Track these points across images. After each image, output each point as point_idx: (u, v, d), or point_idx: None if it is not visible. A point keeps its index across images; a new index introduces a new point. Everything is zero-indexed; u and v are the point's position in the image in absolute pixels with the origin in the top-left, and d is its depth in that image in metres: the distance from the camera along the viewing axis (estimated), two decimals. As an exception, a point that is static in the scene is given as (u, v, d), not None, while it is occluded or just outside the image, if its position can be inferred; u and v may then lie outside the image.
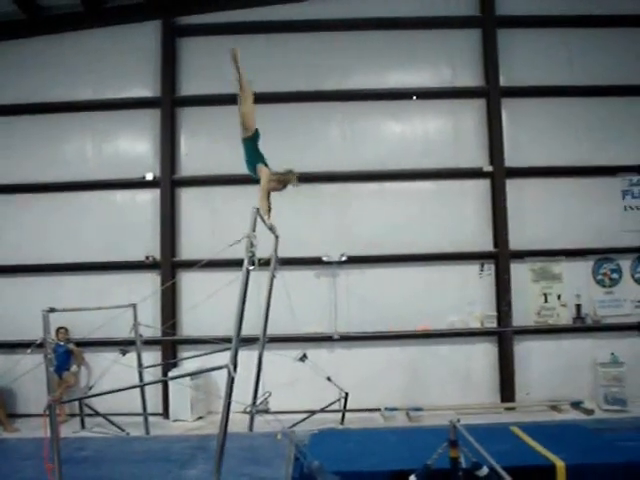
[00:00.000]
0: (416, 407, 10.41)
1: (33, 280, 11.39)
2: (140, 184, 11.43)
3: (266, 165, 7.13)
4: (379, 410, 10.54)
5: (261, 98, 11.34)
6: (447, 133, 11.59)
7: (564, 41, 11.66)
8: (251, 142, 7.27)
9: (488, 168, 11.27)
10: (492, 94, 11.40)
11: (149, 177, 11.33)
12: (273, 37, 11.67)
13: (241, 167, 11.11)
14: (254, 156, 7.23)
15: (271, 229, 7.53)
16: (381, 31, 11.64)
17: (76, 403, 10.14)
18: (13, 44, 11.80)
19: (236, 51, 7.12)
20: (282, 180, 7.22)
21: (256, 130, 7.29)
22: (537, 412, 10.41)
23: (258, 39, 11.64)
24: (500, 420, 9.79)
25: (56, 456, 5.95)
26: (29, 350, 7.40)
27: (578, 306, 11.20)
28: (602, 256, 11.37)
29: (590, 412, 10.15)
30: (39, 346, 6.72)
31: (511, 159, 11.29)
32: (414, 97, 11.54)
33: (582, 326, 11.17)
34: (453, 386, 10.94)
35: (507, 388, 10.91)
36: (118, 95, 11.64)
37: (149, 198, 11.49)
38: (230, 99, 11.34)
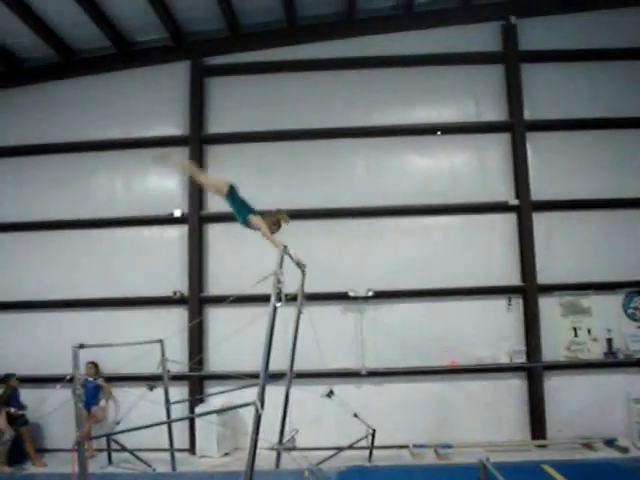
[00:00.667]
0: (445, 444, 10.25)
1: (63, 315, 11.55)
2: (168, 220, 11.60)
3: (254, 212, 7.25)
4: (407, 447, 10.39)
5: (284, 135, 11.67)
6: (472, 167, 11.62)
7: (587, 74, 11.71)
8: (231, 198, 7.44)
9: (514, 202, 11.24)
10: (516, 128, 11.44)
11: (177, 213, 11.49)
12: (297, 75, 11.89)
13: (266, 202, 11.33)
14: (240, 208, 7.37)
15: (298, 265, 7.59)
16: (406, 68, 11.79)
17: (103, 438, 10.16)
18: (46, 86, 12.26)
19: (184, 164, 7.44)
20: (275, 222, 7.30)
21: (230, 186, 7.45)
22: (569, 450, 10.15)
23: (283, 77, 11.89)
24: (531, 458, 9.62)
25: (85, 492, 5.98)
26: (59, 386, 7.52)
27: (609, 340, 11.00)
28: (632, 289, 11.18)
29: (625, 450, 9.88)
30: (69, 381, 6.83)
31: (537, 192, 11.26)
32: (439, 132, 11.61)
33: (614, 361, 10.95)
34: (482, 422, 10.76)
35: (538, 424, 10.69)
36: (147, 134, 11.92)
37: (177, 234, 11.65)
38: (255, 137, 11.69)
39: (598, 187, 11.32)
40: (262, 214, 7.28)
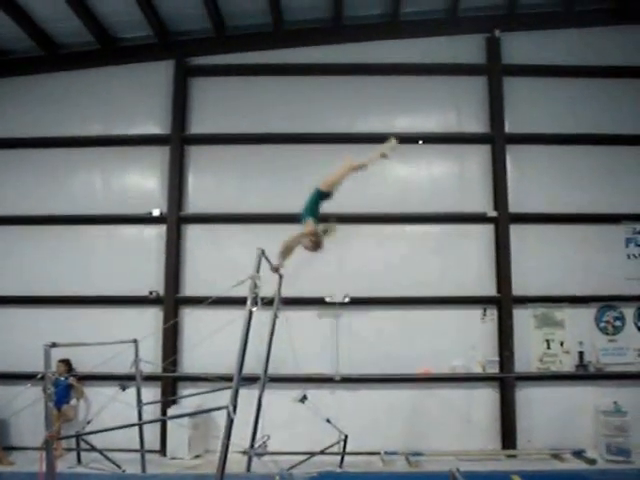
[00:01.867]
0: (416, 452, 10.29)
1: (36, 312, 11.39)
2: (147, 220, 11.53)
3: (317, 222, 7.21)
4: (379, 454, 10.41)
5: (267, 138, 11.67)
6: (452, 178, 11.71)
7: (568, 90, 11.86)
8: (320, 196, 7.49)
9: (492, 213, 11.35)
10: (497, 140, 11.55)
11: (156, 213, 11.42)
12: (282, 79, 11.90)
13: (247, 206, 11.33)
14: (313, 208, 7.39)
15: (276, 270, 7.58)
16: (390, 76, 11.86)
17: (73, 437, 10.04)
18: (28, 79, 12.10)
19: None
20: (317, 242, 7.21)
21: (331, 193, 7.52)
22: (538, 460, 10.26)
23: (267, 81, 11.91)
24: (501, 468, 9.68)
25: (51, 492, 5.92)
26: (29, 384, 7.43)
27: (581, 353, 11.14)
28: (605, 304, 11.35)
29: (592, 462, 9.97)
30: (40, 379, 6.75)
31: (515, 205, 11.38)
32: (420, 141, 11.66)
33: (585, 374, 11.08)
34: (454, 431, 10.81)
35: (508, 435, 10.77)
36: (128, 131, 11.85)
37: (155, 234, 11.57)
38: (237, 139, 11.66)
39: (575, 201, 11.47)
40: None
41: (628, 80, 11.87)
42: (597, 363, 11.14)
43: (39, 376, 6.71)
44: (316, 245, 7.15)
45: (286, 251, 7.08)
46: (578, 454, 10.27)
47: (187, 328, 11.24)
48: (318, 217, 7.27)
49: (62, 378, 10.41)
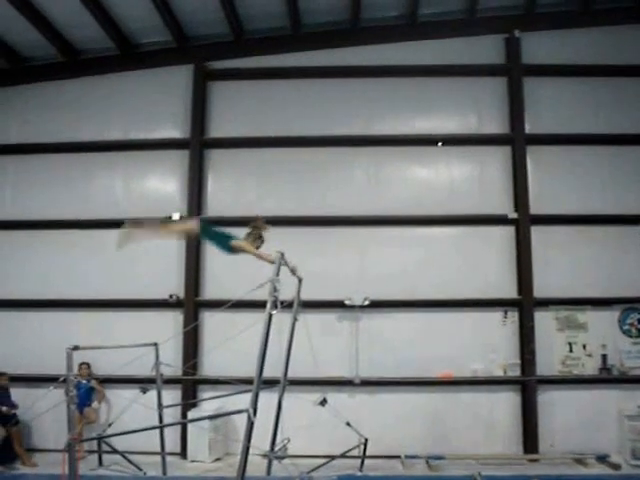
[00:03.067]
0: (437, 455, 10.21)
1: (59, 315, 11.52)
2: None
3: (232, 237, 7.15)
4: (399, 457, 10.36)
5: (286, 142, 11.69)
6: (472, 179, 11.63)
7: (590, 90, 11.74)
8: (204, 234, 7.44)
9: (513, 215, 11.25)
10: (517, 141, 11.46)
11: (176, 217, 11.46)
12: (300, 82, 11.92)
13: (266, 209, 11.36)
14: (219, 239, 7.25)
15: (294, 272, 7.57)
16: (408, 78, 11.83)
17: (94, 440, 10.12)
18: (49, 85, 12.28)
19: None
20: (257, 236, 7.24)
21: (198, 225, 7.44)
22: (561, 465, 10.13)
23: (285, 84, 11.93)
24: (523, 472, 9.59)
25: (74, 495, 5.96)
26: (52, 387, 7.50)
27: (604, 356, 11.00)
28: (629, 306, 11.19)
29: (617, 467, 9.83)
30: (62, 382, 6.81)
31: (536, 206, 11.27)
32: (440, 143, 11.63)
33: (608, 377, 10.94)
34: (475, 435, 10.74)
35: (530, 439, 10.66)
36: (148, 136, 11.95)
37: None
38: (256, 142, 11.71)
39: (597, 203, 11.35)
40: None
41: (652, 80, 11.73)
42: (621, 366, 10.99)
43: (61, 379, 6.77)
44: (259, 238, 7.26)
45: (267, 260, 6.94)
46: (602, 459, 10.10)
47: (207, 331, 11.28)
48: (229, 235, 7.21)
49: (84, 381, 10.51)
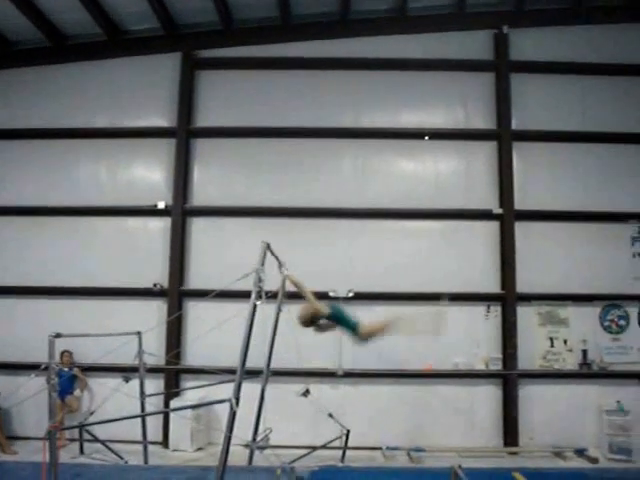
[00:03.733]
0: (418, 447, 10.29)
1: (39, 303, 11.43)
2: (152, 212, 11.52)
3: (358, 325, 6.95)
4: (380, 449, 10.43)
5: (273, 132, 11.67)
6: (458, 174, 11.67)
7: (577, 88, 11.80)
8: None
9: (498, 210, 11.31)
10: (504, 137, 11.51)
11: (161, 205, 11.42)
12: (289, 73, 11.88)
13: (252, 199, 11.35)
14: (347, 325, 7.04)
15: (280, 263, 7.55)
16: (397, 71, 11.83)
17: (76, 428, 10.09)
18: (35, 70, 12.12)
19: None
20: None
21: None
22: (540, 458, 10.27)
23: (274, 75, 11.88)
24: (502, 464, 9.70)
25: (54, 482, 5.94)
26: (33, 375, 7.47)
27: (584, 352, 11.12)
28: (610, 302, 11.32)
29: (594, 461, 9.99)
30: (44, 370, 6.77)
31: (521, 202, 11.35)
32: (426, 137, 11.65)
33: (588, 372, 11.06)
34: (456, 427, 10.83)
35: (510, 432, 10.78)
36: (134, 124, 11.84)
37: (160, 226, 11.58)
38: (243, 132, 11.66)
39: (582, 199, 11.44)
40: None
41: (636, 78, 11.80)
42: (601, 362, 11.11)
43: (43, 367, 6.73)
44: (308, 322, 6.93)
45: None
46: (580, 452, 10.27)
47: (191, 321, 11.27)
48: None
49: (66, 369, 10.47)
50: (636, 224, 11.47)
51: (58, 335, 6.68)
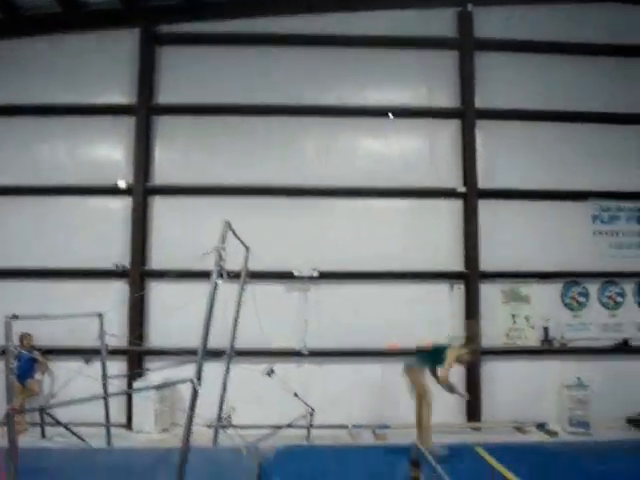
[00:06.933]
0: (383, 425, 10.38)
1: (-2, 284, 11.17)
2: (113, 191, 11.30)
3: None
4: (346, 427, 10.49)
5: (236, 109, 11.48)
6: (422, 152, 11.67)
7: (542, 66, 11.87)
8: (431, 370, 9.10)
9: (461, 189, 11.36)
10: (467, 115, 11.54)
11: (122, 184, 11.20)
12: (253, 49, 11.69)
13: (215, 178, 11.17)
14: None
15: (242, 242, 7.49)
16: (362, 48, 11.72)
17: (37, 411, 9.90)
18: (-13, 44, 11.68)
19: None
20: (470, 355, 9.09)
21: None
22: (502, 432, 10.45)
23: (237, 50, 11.68)
24: (465, 440, 9.82)
25: (13, 467, 5.82)
26: (-11, 358, 7.27)
27: (546, 329, 11.32)
28: (571, 279, 11.51)
29: (554, 434, 10.24)
30: (1, 354, 6.60)
31: (485, 180, 11.42)
32: (390, 115, 11.60)
33: (549, 349, 11.28)
34: (420, 404, 10.92)
35: (473, 408, 10.94)
36: (94, 100, 11.54)
37: (121, 205, 11.35)
38: (205, 109, 11.45)
39: (545, 178, 11.56)
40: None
41: (600, 58, 11.91)
42: (562, 338, 11.32)
43: (0, 350, 6.57)
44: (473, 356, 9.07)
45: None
46: (541, 427, 10.55)
47: (153, 302, 11.12)
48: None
49: (25, 352, 10.24)
50: (597, 202, 11.65)
51: (15, 317, 6.53)
